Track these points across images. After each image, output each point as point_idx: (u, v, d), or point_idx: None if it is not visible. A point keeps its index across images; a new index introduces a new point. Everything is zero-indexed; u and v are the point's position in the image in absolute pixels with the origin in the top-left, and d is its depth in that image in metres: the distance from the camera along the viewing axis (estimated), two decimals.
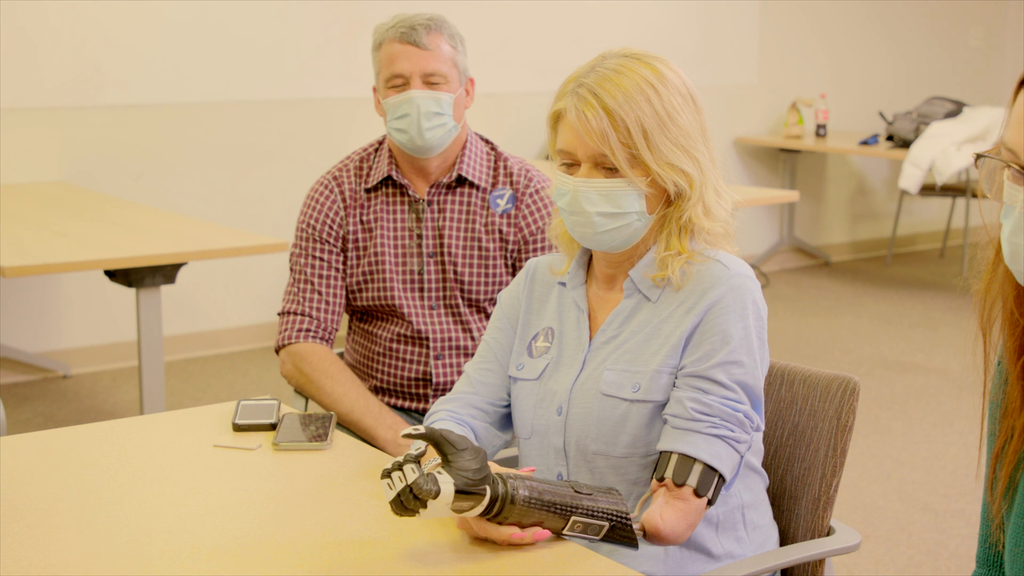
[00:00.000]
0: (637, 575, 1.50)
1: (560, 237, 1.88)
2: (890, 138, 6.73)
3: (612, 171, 1.73)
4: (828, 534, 1.87)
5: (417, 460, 1.49)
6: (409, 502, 1.47)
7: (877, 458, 4.09)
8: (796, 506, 1.91)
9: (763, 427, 1.77)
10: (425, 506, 1.47)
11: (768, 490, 1.90)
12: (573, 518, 1.55)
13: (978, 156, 1.28)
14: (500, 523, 1.53)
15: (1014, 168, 1.24)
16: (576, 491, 1.56)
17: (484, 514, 1.52)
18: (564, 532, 1.57)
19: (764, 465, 1.92)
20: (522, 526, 1.54)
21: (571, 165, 1.76)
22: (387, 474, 1.49)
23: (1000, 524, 1.39)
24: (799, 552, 1.82)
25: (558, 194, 1.78)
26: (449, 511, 1.50)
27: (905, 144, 6.56)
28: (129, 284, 3.41)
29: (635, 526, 1.61)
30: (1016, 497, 1.35)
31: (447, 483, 1.48)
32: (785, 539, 1.91)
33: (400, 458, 1.50)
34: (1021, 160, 1.23)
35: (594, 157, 1.73)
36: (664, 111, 1.72)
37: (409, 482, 1.47)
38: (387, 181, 2.53)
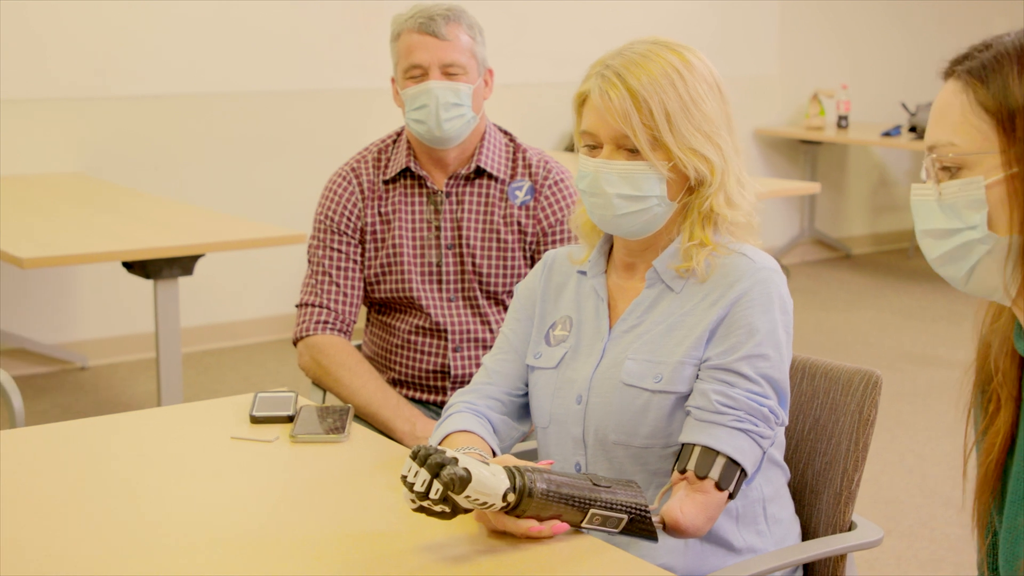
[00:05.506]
0: (656, 568, 1.49)
1: (582, 227, 1.87)
2: (912, 129, 6.68)
3: (634, 153, 1.72)
4: (850, 529, 1.86)
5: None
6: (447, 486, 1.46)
7: (899, 452, 4.06)
8: (817, 501, 1.89)
9: (787, 422, 1.75)
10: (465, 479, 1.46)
11: (789, 484, 1.88)
12: (592, 511, 1.54)
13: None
14: (518, 516, 1.52)
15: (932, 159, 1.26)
16: (595, 484, 1.55)
17: (502, 507, 1.50)
18: (583, 525, 1.55)
19: (785, 459, 1.90)
20: (540, 519, 1.53)
21: (594, 148, 1.75)
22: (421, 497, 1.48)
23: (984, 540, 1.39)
24: (820, 547, 1.81)
25: (579, 176, 1.77)
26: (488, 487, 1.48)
27: None
28: (147, 276, 3.41)
29: (655, 519, 1.60)
30: (1004, 508, 1.34)
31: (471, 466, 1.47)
32: (807, 534, 1.89)
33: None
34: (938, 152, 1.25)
35: (616, 138, 1.72)
36: (689, 96, 1.71)
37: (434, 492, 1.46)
38: (405, 172, 2.51)
